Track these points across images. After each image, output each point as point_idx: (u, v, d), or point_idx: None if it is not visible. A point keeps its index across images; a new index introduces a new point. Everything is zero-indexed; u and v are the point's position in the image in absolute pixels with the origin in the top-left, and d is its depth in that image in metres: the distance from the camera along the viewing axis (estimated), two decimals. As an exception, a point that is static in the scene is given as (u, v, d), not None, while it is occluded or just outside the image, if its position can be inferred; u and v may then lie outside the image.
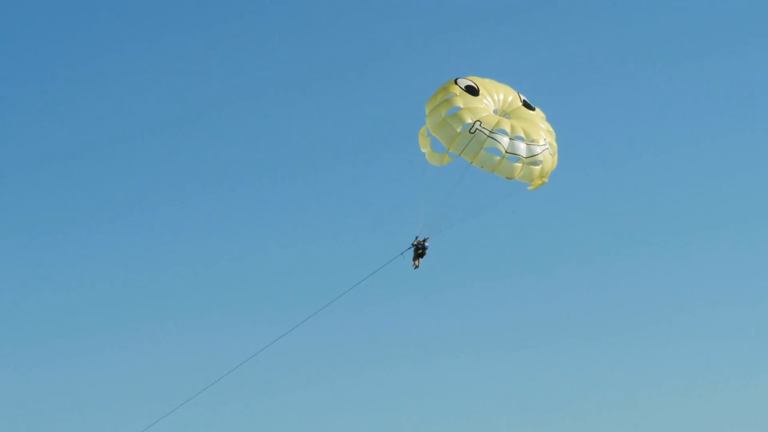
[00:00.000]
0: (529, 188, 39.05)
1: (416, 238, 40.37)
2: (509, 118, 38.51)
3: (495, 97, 38.74)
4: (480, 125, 37.38)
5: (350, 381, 71.01)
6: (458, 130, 37.40)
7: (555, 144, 39.01)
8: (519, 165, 37.83)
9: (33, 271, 79.41)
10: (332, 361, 71.97)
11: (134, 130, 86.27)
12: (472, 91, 38.26)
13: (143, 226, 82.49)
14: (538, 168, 38.22)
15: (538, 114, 39.36)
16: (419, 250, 40.37)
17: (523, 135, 37.91)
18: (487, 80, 39.12)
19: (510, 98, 39.07)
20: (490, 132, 37.36)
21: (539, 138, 38.21)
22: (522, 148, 37.76)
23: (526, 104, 39.37)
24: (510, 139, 37.66)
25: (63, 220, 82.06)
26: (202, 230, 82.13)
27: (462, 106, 37.73)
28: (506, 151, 37.53)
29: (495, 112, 38.66)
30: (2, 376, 72.37)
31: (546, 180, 38.91)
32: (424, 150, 38.86)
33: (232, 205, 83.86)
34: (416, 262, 40.41)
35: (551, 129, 39.27)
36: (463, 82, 38.46)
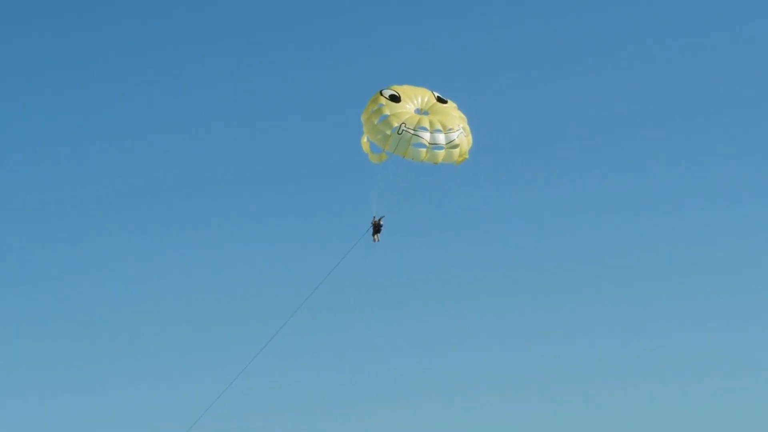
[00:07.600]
0: (455, 165, 49.08)
1: (373, 217, 50.73)
2: (428, 114, 48.44)
3: (414, 100, 48.75)
4: (405, 126, 47.40)
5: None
6: (388, 133, 47.42)
7: (467, 126, 49.05)
8: (442, 152, 47.90)
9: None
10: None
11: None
12: (395, 99, 48.22)
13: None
14: (457, 150, 48.31)
15: (450, 105, 49.37)
16: (377, 227, 50.78)
17: (440, 127, 47.93)
18: (405, 86, 49.09)
19: (426, 98, 49.08)
20: (414, 131, 47.40)
21: (454, 126, 48.25)
22: (441, 138, 47.82)
23: (439, 99, 49.33)
24: (430, 133, 47.68)
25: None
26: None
27: (389, 114, 47.67)
28: (429, 143, 47.55)
29: (417, 111, 48.63)
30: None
31: (467, 156, 48.96)
32: (366, 152, 48.91)
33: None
34: (375, 237, 50.85)
35: (462, 115, 49.30)
36: (387, 92, 48.40)
